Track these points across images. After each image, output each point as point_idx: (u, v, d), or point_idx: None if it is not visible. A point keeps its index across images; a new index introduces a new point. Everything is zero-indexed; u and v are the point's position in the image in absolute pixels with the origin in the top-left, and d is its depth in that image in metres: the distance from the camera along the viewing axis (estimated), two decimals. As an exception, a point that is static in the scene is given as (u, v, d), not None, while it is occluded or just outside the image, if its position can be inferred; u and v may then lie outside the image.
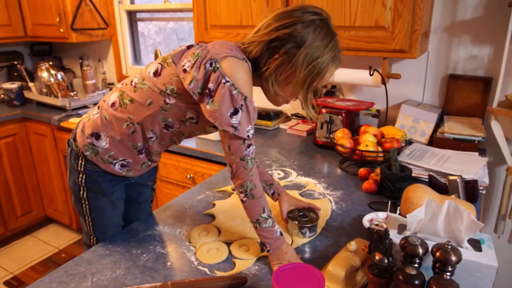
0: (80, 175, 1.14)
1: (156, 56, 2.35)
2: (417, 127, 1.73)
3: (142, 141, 1.10)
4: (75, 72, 3.15)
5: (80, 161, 1.12)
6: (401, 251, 0.84)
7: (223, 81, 0.93)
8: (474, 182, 1.25)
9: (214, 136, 1.92)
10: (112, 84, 2.99)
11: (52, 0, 2.57)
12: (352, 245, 0.97)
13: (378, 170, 1.40)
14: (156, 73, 1.03)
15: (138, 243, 1.12)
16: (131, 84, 1.08)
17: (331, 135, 1.68)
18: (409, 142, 1.69)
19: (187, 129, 1.11)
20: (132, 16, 2.85)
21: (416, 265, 0.82)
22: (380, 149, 1.52)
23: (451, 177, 1.24)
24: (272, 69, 0.98)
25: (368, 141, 1.52)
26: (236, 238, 1.13)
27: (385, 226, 0.87)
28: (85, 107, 2.66)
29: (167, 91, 1.01)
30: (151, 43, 2.89)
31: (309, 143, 1.91)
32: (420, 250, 0.81)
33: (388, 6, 1.47)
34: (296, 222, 1.13)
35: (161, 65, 1.04)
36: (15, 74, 2.96)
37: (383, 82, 1.73)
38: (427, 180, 1.38)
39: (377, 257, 0.82)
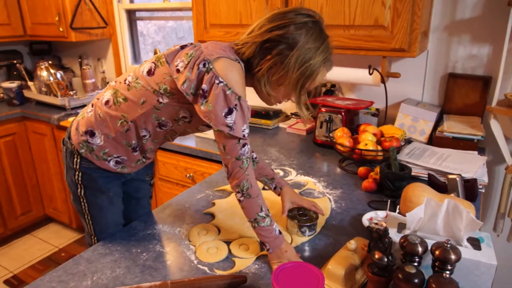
0: (77, 173, 1.14)
1: (156, 55, 2.34)
2: (416, 126, 1.73)
3: (136, 139, 1.10)
4: (75, 71, 3.15)
5: (75, 159, 1.13)
6: (400, 249, 0.84)
7: (217, 81, 0.94)
8: (474, 181, 1.26)
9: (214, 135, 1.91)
10: (112, 83, 2.99)
11: (52, -1, 2.57)
12: (352, 244, 0.97)
13: (377, 169, 1.40)
14: (150, 72, 1.04)
15: (138, 242, 1.12)
16: (125, 83, 1.08)
17: (330, 134, 1.68)
18: (408, 141, 1.69)
19: (180, 127, 1.11)
20: (131, 15, 2.85)
21: (415, 264, 0.82)
22: (379, 148, 1.52)
23: (450, 176, 1.24)
24: (265, 70, 0.99)
25: (367, 140, 1.52)
26: (235, 237, 1.13)
27: (384, 224, 0.87)
28: (85, 106, 2.65)
29: (160, 91, 1.01)
30: (151, 42, 2.89)
31: (308, 142, 1.91)
32: (420, 249, 0.81)
33: (387, 5, 1.47)
34: (296, 221, 1.13)
35: (155, 64, 1.04)
36: (15, 73, 2.95)
37: (383, 81, 1.74)
38: (426, 179, 1.38)
39: (376, 256, 0.82)
